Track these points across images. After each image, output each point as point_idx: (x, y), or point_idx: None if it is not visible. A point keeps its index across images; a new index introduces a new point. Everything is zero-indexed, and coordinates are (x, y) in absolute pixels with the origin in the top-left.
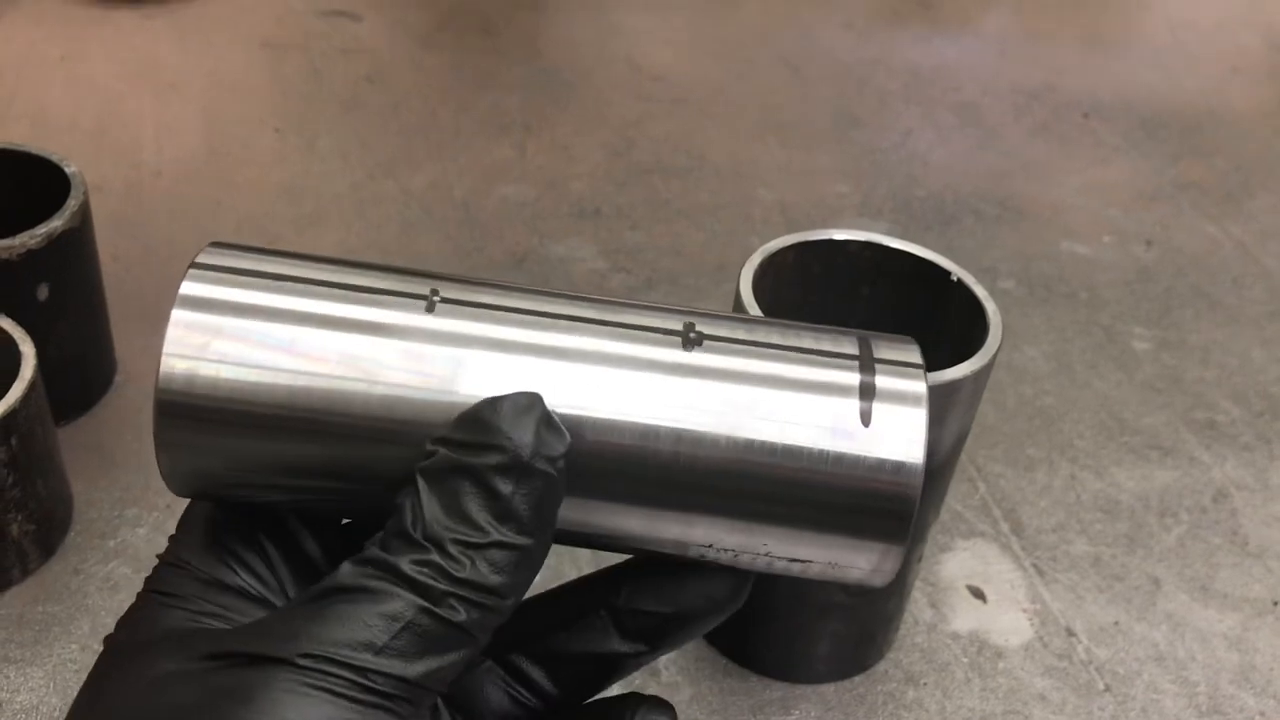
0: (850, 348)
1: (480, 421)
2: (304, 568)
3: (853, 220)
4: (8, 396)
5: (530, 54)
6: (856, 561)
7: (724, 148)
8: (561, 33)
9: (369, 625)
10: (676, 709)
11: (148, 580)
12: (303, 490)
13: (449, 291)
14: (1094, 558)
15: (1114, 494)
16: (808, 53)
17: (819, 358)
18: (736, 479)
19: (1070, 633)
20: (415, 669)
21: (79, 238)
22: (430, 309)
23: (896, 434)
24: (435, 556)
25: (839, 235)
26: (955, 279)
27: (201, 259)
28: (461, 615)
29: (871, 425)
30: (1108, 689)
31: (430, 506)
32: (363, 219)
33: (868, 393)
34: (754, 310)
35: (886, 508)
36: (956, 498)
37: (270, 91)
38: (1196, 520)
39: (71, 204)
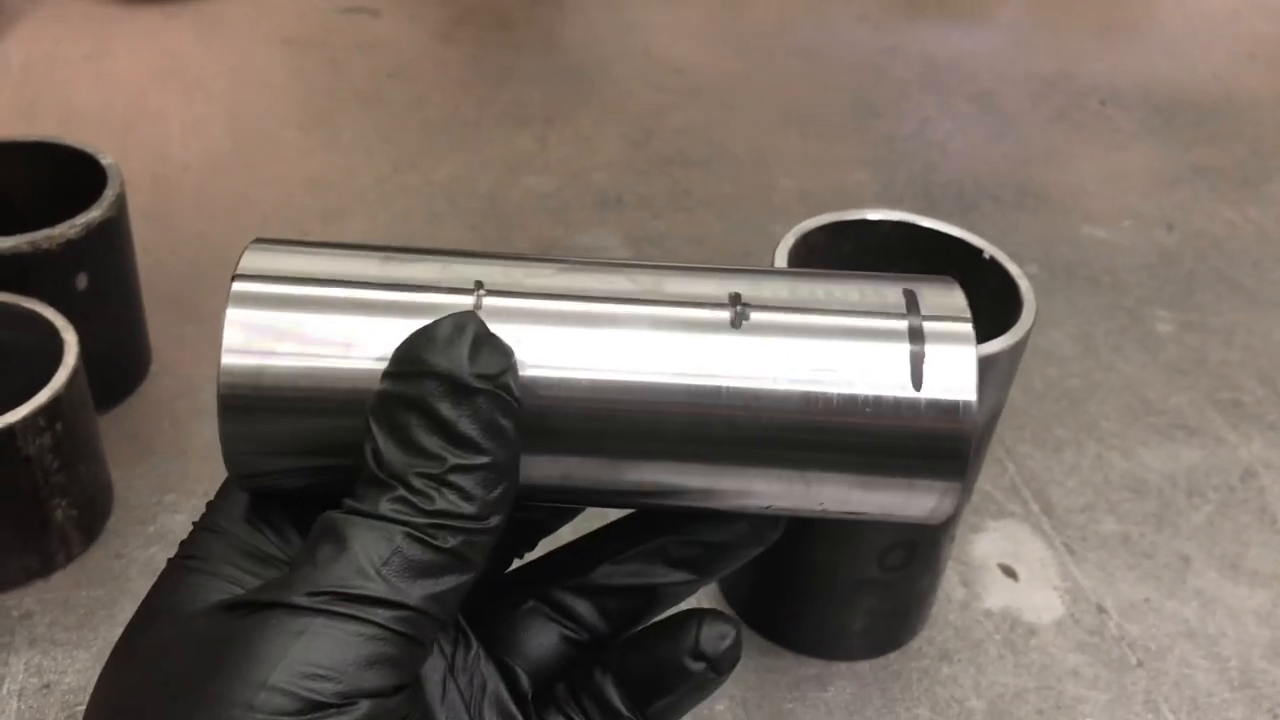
0: (895, 295)
1: (413, 351)
2: None
3: (874, 207)
4: (52, 382)
5: (549, 47)
6: (915, 505)
7: (743, 138)
8: (579, 26)
9: (358, 559)
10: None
11: (181, 545)
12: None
13: (493, 283)
14: (1123, 536)
15: (1141, 474)
16: (824, 43)
17: (866, 308)
18: (794, 432)
19: (1101, 610)
20: (412, 594)
21: (116, 228)
22: (477, 307)
23: (948, 374)
24: (404, 493)
25: (871, 215)
26: (987, 256)
27: (247, 259)
28: (449, 541)
29: (924, 368)
30: (1140, 664)
31: (386, 445)
32: (388, 211)
33: (916, 337)
34: None
35: (944, 447)
36: (986, 479)
37: (293, 87)
38: (1225, 499)
39: (109, 194)
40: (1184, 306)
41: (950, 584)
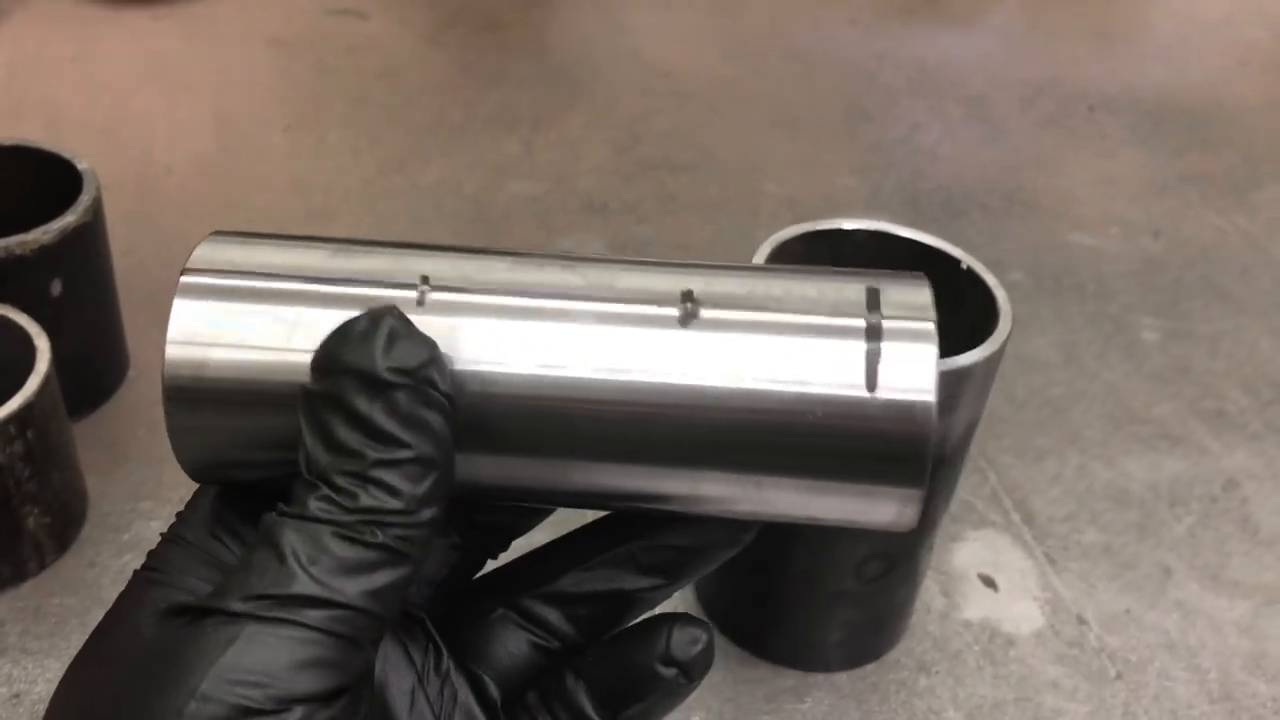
0: (856, 292)
1: (330, 348)
2: None
3: (860, 214)
4: (23, 390)
5: (538, 51)
6: (875, 512)
7: (731, 143)
8: (569, 29)
9: (288, 561)
10: (690, 699)
11: (148, 555)
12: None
13: (439, 277)
14: (1105, 546)
15: (1124, 483)
16: (815, 48)
17: (823, 305)
18: (744, 433)
19: (1082, 621)
20: (345, 591)
21: (91, 233)
22: (420, 302)
23: (906, 373)
24: (328, 491)
25: (847, 224)
26: (964, 267)
27: (199, 251)
28: (378, 537)
29: (880, 366)
30: (1119, 676)
31: (312, 444)
32: (373, 214)
33: (874, 334)
34: None
35: (901, 451)
36: (967, 488)
37: (280, 89)
38: (1207, 509)
39: (84, 200)
40: (1170, 314)
41: (929, 594)
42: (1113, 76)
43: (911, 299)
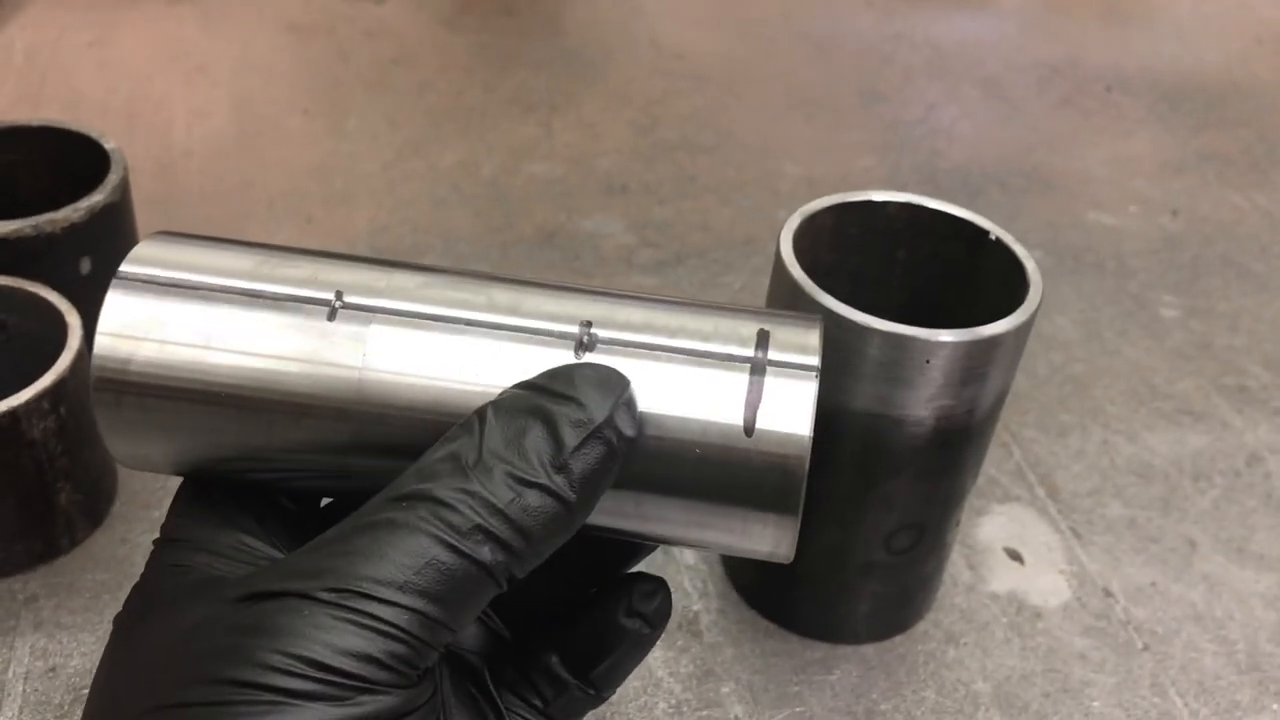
0: (749, 330)
1: (568, 377)
2: (293, 522)
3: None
4: (56, 366)
5: (553, 34)
6: (752, 539)
7: (749, 124)
8: (584, 12)
9: (393, 561)
10: (719, 670)
11: (153, 553)
12: (245, 464)
13: (352, 295)
14: (1129, 520)
15: (1147, 458)
16: (830, 30)
17: (714, 339)
18: (628, 455)
19: (1108, 593)
20: (435, 606)
21: (119, 212)
22: (331, 316)
23: (785, 408)
24: (478, 486)
25: (877, 197)
26: (993, 238)
27: (139, 248)
28: (486, 554)
29: (760, 400)
30: (1146, 648)
31: (493, 437)
32: (393, 197)
33: (758, 369)
34: (795, 271)
35: (776, 482)
36: (992, 463)
37: (298, 74)
38: (1230, 483)
39: (112, 179)
40: (1190, 292)
41: (956, 567)
42: (1129, 57)
43: (800, 340)
